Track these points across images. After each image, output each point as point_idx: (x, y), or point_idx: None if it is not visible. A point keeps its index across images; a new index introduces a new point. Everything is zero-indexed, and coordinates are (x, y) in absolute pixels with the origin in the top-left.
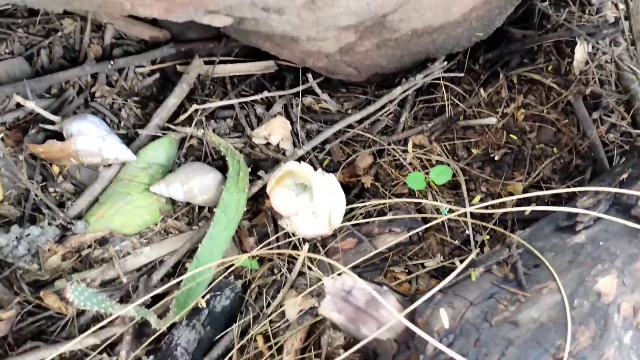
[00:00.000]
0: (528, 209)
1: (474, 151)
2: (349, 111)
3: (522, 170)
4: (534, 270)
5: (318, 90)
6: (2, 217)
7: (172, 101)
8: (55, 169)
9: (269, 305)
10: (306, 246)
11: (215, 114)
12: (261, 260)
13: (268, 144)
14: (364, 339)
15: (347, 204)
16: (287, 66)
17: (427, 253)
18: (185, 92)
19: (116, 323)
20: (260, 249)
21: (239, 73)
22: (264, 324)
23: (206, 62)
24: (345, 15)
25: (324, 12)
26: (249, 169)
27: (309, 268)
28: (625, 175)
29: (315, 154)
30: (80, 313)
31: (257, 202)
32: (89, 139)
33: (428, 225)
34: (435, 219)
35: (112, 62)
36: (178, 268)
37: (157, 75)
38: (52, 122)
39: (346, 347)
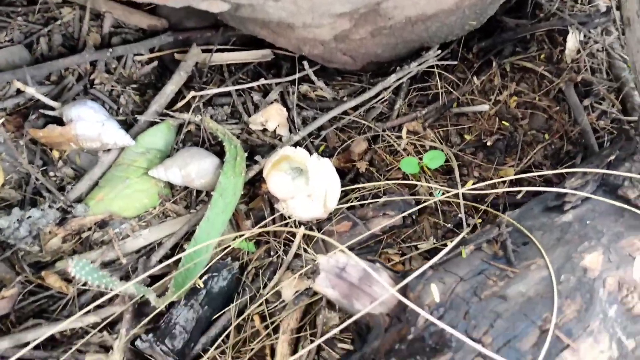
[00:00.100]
0: (517, 189)
1: (467, 137)
2: (345, 98)
3: (514, 156)
4: (523, 247)
5: (314, 78)
6: (4, 200)
7: (170, 88)
8: (56, 154)
9: (265, 286)
10: (302, 229)
11: (213, 101)
12: (258, 242)
13: (265, 130)
14: (358, 313)
15: (342, 189)
16: (283, 55)
17: (421, 236)
18: (183, 79)
19: (116, 302)
20: (260, 230)
21: (236, 61)
22: (261, 304)
23: (204, 51)
24: (340, 2)
25: None
26: (246, 154)
27: (305, 250)
28: (612, 157)
29: (311, 140)
30: (81, 292)
31: (254, 187)
32: (89, 124)
33: (421, 206)
34: (429, 201)
35: (110, 50)
36: (176, 250)
37: (156, 63)
38: (52, 108)
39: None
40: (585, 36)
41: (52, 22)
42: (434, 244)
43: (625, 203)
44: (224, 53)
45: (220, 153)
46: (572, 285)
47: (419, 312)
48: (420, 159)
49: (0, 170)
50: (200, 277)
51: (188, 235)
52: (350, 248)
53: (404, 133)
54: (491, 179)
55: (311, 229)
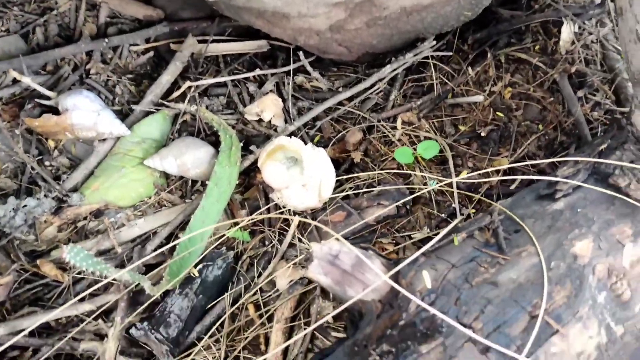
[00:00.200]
0: (511, 178)
1: (462, 128)
2: (340, 89)
3: (508, 146)
4: (514, 235)
5: (309, 69)
6: None
7: (166, 78)
8: (51, 144)
9: (260, 275)
10: (296, 217)
11: (209, 92)
12: (253, 232)
13: (260, 120)
14: (350, 300)
15: (337, 179)
16: (279, 46)
17: (415, 226)
18: (178, 69)
19: (111, 290)
20: (253, 219)
21: (232, 52)
22: (255, 293)
23: (199, 41)
24: None
25: None
26: (241, 144)
27: (299, 240)
28: (604, 146)
29: (306, 131)
30: (77, 281)
31: (249, 177)
32: (84, 113)
33: (415, 194)
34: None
35: (106, 40)
36: (171, 239)
37: (151, 53)
38: (48, 98)
39: (334, 316)
40: (579, 27)
41: (48, 12)
42: (428, 233)
43: (616, 191)
44: (219, 44)
45: (215, 143)
46: (562, 271)
47: (410, 298)
48: (415, 149)
49: None
50: (195, 266)
51: (183, 225)
52: (345, 238)
53: (398, 124)
54: (485, 169)
55: (306, 219)
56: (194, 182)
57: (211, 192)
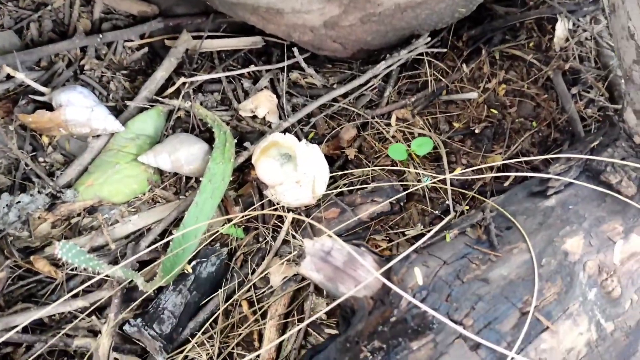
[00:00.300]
0: (505, 175)
1: (456, 125)
2: (334, 86)
3: (502, 143)
4: (506, 232)
5: (304, 65)
6: None
7: (160, 74)
8: (45, 140)
9: (253, 272)
10: (290, 214)
11: (203, 88)
12: (246, 229)
13: (254, 117)
14: (342, 297)
15: (331, 175)
16: (274, 42)
17: (408, 222)
18: (173, 65)
19: (105, 287)
20: (246, 215)
21: (227, 48)
22: (249, 290)
23: (194, 37)
24: None
25: None
26: (235, 141)
27: (293, 236)
28: (596, 143)
29: (301, 127)
30: (70, 277)
31: (243, 173)
32: (78, 109)
33: (409, 191)
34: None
35: (101, 36)
36: (165, 236)
37: (146, 49)
38: (42, 93)
39: (328, 313)
40: (574, 24)
41: (43, 7)
42: (421, 230)
43: (607, 188)
44: (214, 40)
45: (209, 139)
46: (552, 268)
47: (402, 294)
48: (409, 146)
49: None
50: (189, 263)
51: (177, 221)
52: (339, 234)
53: (393, 120)
54: (479, 166)
55: (300, 216)
56: (188, 178)
57: (205, 189)
